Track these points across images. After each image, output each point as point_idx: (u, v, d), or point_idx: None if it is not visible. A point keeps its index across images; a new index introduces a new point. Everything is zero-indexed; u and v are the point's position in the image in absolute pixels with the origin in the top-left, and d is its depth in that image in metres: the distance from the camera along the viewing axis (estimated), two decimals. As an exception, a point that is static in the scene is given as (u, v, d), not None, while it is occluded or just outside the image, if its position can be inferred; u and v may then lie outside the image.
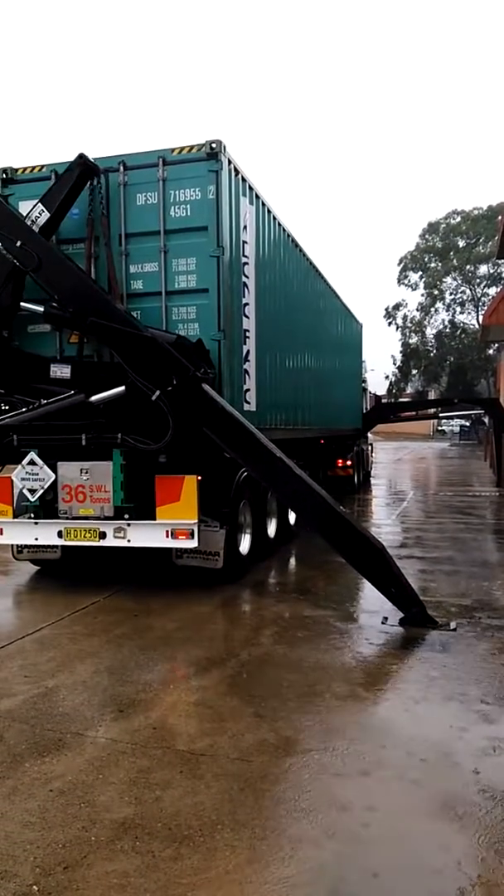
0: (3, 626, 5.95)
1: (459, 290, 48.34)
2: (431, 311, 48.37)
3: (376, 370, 45.55)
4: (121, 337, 6.06)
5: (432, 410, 26.02)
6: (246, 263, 7.25)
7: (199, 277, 6.54)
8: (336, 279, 13.09)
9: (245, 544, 7.49)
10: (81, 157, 6.46)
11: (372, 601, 6.04)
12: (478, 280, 47.35)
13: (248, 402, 7.39)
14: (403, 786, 3.22)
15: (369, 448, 20.21)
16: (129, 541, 6.29)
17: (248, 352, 7.35)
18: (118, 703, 4.14)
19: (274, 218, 8.36)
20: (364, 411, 18.06)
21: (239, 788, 3.17)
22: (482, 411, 27.14)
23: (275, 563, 8.25)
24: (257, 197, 7.59)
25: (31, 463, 6.42)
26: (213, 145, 6.38)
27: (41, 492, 6.42)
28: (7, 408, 6.65)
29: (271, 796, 3.12)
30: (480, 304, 45.72)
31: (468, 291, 48.12)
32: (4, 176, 6.99)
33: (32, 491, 6.43)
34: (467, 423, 50.42)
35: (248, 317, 7.32)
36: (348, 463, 15.55)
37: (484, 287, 46.97)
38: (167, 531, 6.22)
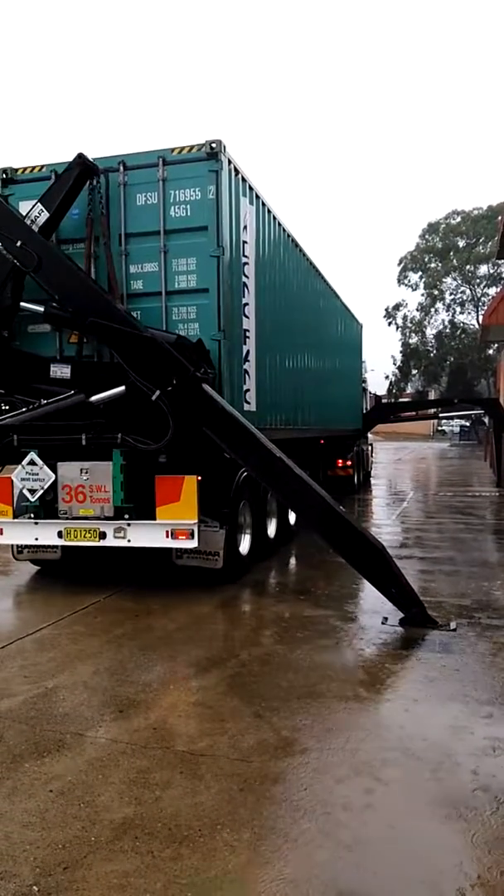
0: (3, 626, 5.95)
1: (459, 291, 48.44)
2: (431, 311, 48.45)
3: (376, 370, 45.60)
4: (121, 337, 6.06)
5: (432, 410, 26.00)
6: (246, 263, 7.25)
7: (199, 277, 6.54)
8: (336, 279, 13.12)
9: (245, 544, 7.49)
10: (80, 156, 6.47)
11: (372, 601, 6.05)
12: (478, 280, 47.41)
13: (248, 403, 7.39)
14: (403, 786, 3.22)
15: (369, 448, 20.21)
16: (129, 541, 6.30)
17: (248, 352, 7.35)
18: (118, 703, 4.14)
19: (274, 218, 8.36)
20: (364, 411, 18.06)
21: (239, 788, 3.17)
22: (482, 411, 27.12)
23: (275, 563, 8.25)
24: (257, 197, 7.60)
25: (31, 463, 6.43)
26: (213, 145, 6.39)
27: (41, 492, 6.42)
28: (7, 408, 6.64)
29: (271, 796, 3.12)
30: (480, 304, 45.75)
31: (468, 291, 48.21)
32: (4, 176, 7.00)
33: (32, 491, 6.43)
34: (467, 424, 50.39)
35: (248, 317, 7.32)
36: (348, 463, 15.55)
37: (484, 287, 47.05)
38: (167, 531, 6.22)
